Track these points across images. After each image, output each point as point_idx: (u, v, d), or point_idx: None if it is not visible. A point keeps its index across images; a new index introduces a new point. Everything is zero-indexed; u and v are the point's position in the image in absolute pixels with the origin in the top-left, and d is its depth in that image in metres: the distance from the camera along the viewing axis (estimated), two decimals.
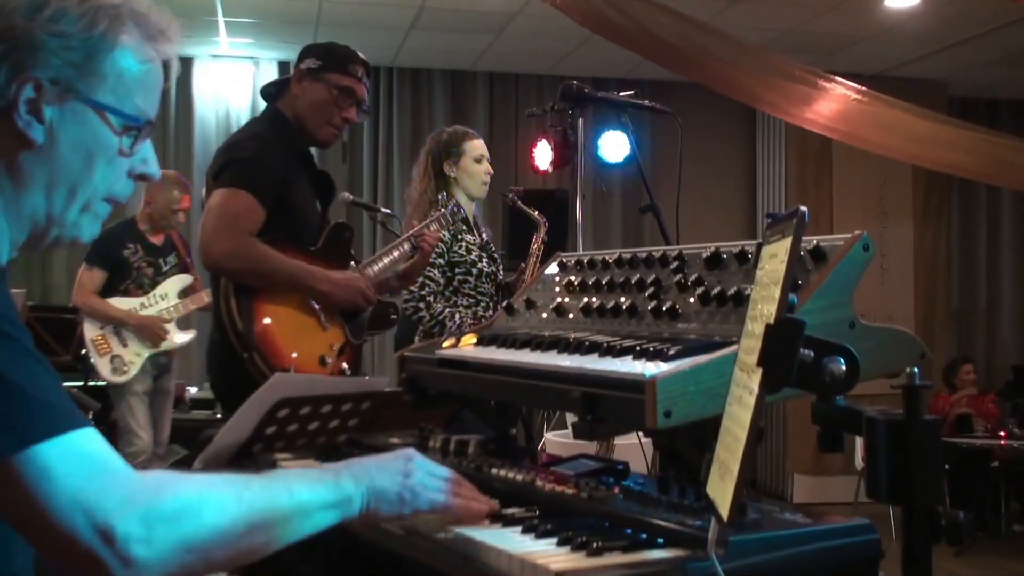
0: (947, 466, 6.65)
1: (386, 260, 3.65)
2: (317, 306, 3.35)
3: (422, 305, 4.24)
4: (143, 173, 1.50)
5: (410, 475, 1.53)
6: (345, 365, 3.41)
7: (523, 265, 4.76)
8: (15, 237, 1.40)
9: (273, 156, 3.35)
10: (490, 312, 4.37)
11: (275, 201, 3.29)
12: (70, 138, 1.40)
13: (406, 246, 3.69)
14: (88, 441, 1.27)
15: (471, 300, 4.37)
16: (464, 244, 4.36)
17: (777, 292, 1.20)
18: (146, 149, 1.50)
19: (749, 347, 1.26)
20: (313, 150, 3.60)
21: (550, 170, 6.05)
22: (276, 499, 1.39)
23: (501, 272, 4.61)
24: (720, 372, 1.45)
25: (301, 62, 3.51)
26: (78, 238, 1.47)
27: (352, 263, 3.56)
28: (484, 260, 4.42)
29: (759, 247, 1.59)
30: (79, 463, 1.24)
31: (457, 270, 4.34)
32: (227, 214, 3.24)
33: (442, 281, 4.32)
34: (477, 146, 4.54)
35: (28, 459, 1.21)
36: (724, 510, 1.18)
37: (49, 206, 1.41)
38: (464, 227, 4.36)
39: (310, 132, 3.48)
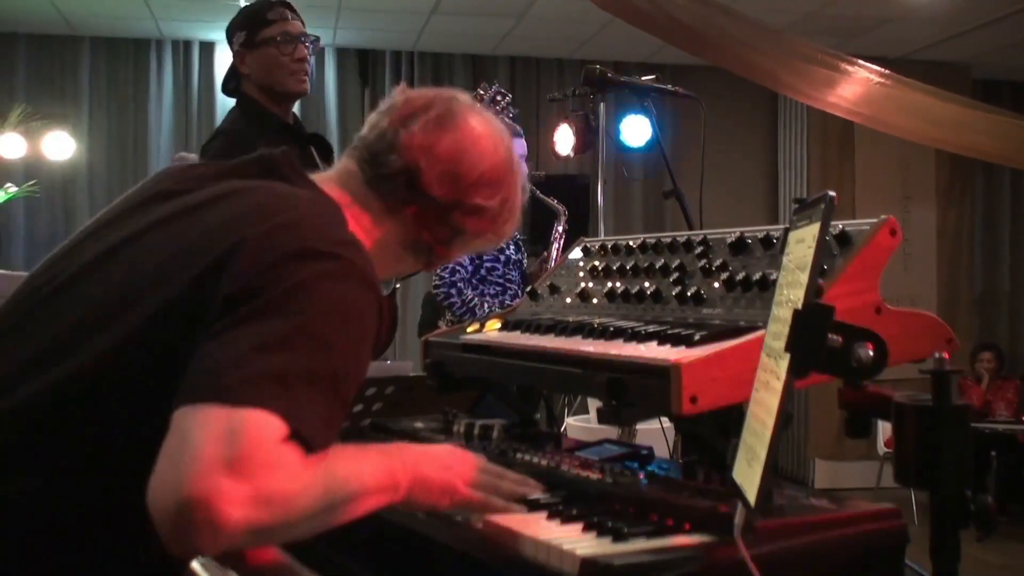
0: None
1: None
2: None
3: (453, 292, 4.25)
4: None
5: (451, 469, 1.52)
6: None
7: (545, 253, 4.76)
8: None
9: (237, 146, 3.32)
10: (518, 300, 4.36)
11: None
12: None
13: None
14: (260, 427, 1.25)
15: (498, 288, 4.38)
16: None
17: (804, 277, 1.20)
18: None
19: (776, 332, 1.26)
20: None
21: (571, 155, 6.03)
22: (349, 485, 1.35)
23: (526, 260, 4.61)
24: (746, 357, 1.45)
25: (232, 44, 3.47)
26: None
27: None
28: (511, 247, 4.43)
29: (786, 232, 1.58)
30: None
31: (485, 257, 4.35)
32: None
33: (471, 268, 4.33)
34: (522, 144, 4.54)
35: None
36: (751, 495, 1.18)
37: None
38: None
39: (281, 93, 3.43)
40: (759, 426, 1.22)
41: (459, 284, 4.27)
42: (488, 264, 4.35)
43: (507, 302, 4.35)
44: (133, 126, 8.36)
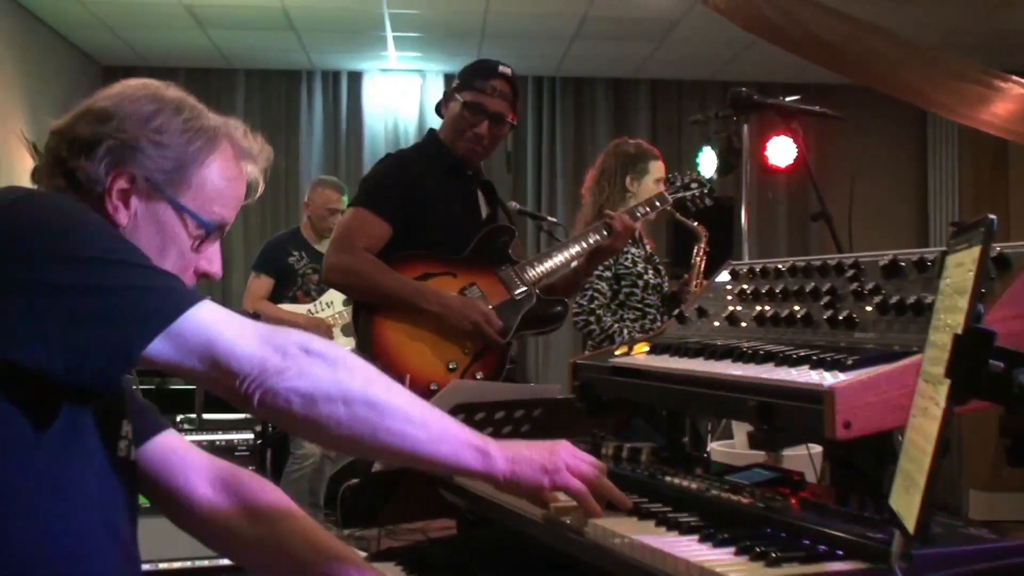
0: None
1: (558, 258, 3.56)
2: None
3: (592, 319, 4.26)
4: (205, 271, 1.73)
5: (556, 453, 1.60)
6: (480, 373, 3.37)
7: (686, 276, 4.73)
8: None
9: (400, 172, 3.48)
10: (657, 324, 4.35)
11: (406, 214, 3.39)
12: (150, 226, 1.64)
13: (591, 238, 3.60)
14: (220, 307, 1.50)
15: (637, 313, 4.37)
16: (629, 256, 4.36)
17: (964, 302, 1.18)
18: (212, 251, 1.73)
19: (934, 358, 1.24)
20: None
21: (715, 177, 6.00)
22: (417, 403, 1.53)
23: (667, 283, 4.59)
24: (902, 383, 1.43)
25: (455, 80, 3.63)
26: None
27: (508, 266, 3.53)
28: (649, 272, 4.42)
29: (943, 255, 1.56)
30: (226, 317, 1.47)
31: (623, 283, 4.35)
32: (340, 231, 3.45)
33: (609, 293, 4.33)
34: (660, 167, 4.56)
35: (190, 319, 1.42)
36: (910, 523, 1.17)
37: None
38: (629, 239, 4.36)
39: (458, 150, 3.55)
40: (917, 453, 1.21)
41: (598, 311, 4.27)
42: (626, 289, 4.35)
43: (647, 327, 4.34)
44: (284, 153, 8.65)
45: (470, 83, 3.54)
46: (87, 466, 1.51)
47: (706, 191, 4.10)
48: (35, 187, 1.66)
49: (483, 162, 3.71)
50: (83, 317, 1.39)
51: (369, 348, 3.30)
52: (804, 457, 3.67)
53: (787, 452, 4.49)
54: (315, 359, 1.46)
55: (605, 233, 3.59)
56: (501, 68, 3.55)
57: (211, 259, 1.73)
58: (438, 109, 3.68)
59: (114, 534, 1.56)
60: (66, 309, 1.39)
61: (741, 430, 5.79)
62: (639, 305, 4.38)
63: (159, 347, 1.41)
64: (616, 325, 4.28)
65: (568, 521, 1.62)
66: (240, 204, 1.75)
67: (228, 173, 1.70)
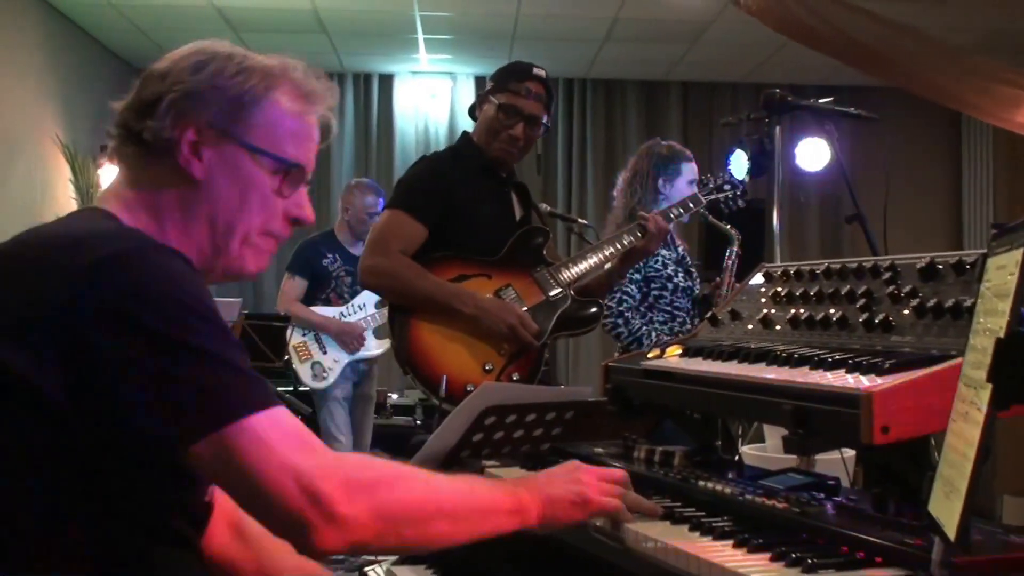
0: None
1: (592, 259, 3.57)
2: None
3: (620, 321, 4.24)
4: (298, 216, 1.70)
5: (580, 482, 1.61)
6: (516, 375, 3.36)
7: (718, 279, 4.69)
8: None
9: (436, 174, 3.48)
10: (687, 327, 4.33)
11: (442, 216, 3.39)
12: (226, 175, 1.61)
13: (625, 239, 3.60)
14: (289, 416, 1.42)
15: (667, 315, 4.34)
16: (660, 258, 4.34)
17: (1005, 305, 1.16)
18: (300, 195, 1.70)
19: (975, 362, 1.22)
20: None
21: (746, 180, 5.96)
22: (459, 492, 1.52)
23: (698, 286, 4.56)
24: (941, 387, 1.40)
25: (488, 81, 3.63)
26: (243, 269, 1.68)
27: (543, 267, 3.52)
28: (680, 274, 4.39)
29: (983, 258, 1.53)
30: (286, 434, 1.39)
31: (652, 285, 4.32)
32: (376, 233, 3.45)
33: (638, 296, 4.31)
34: (693, 169, 4.54)
35: (245, 428, 1.35)
36: (951, 530, 1.15)
37: (212, 236, 1.62)
38: (662, 241, 4.34)
39: (492, 152, 3.55)
40: (958, 458, 1.19)
41: (627, 313, 4.25)
42: (656, 292, 4.33)
43: (676, 329, 4.31)
44: (316, 154, 8.67)
45: (505, 85, 3.53)
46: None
47: (739, 192, 4.07)
48: (109, 158, 1.67)
49: (515, 164, 3.71)
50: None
51: (405, 350, 3.31)
52: (837, 460, 3.65)
53: (819, 456, 4.47)
54: (357, 499, 1.40)
55: (639, 235, 3.58)
56: (536, 70, 3.54)
57: (300, 203, 1.70)
58: (471, 112, 3.67)
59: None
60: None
61: (773, 433, 5.77)
62: (668, 308, 4.35)
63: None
64: (645, 328, 4.26)
65: (599, 524, 1.63)
66: (315, 147, 1.72)
67: (293, 110, 1.66)
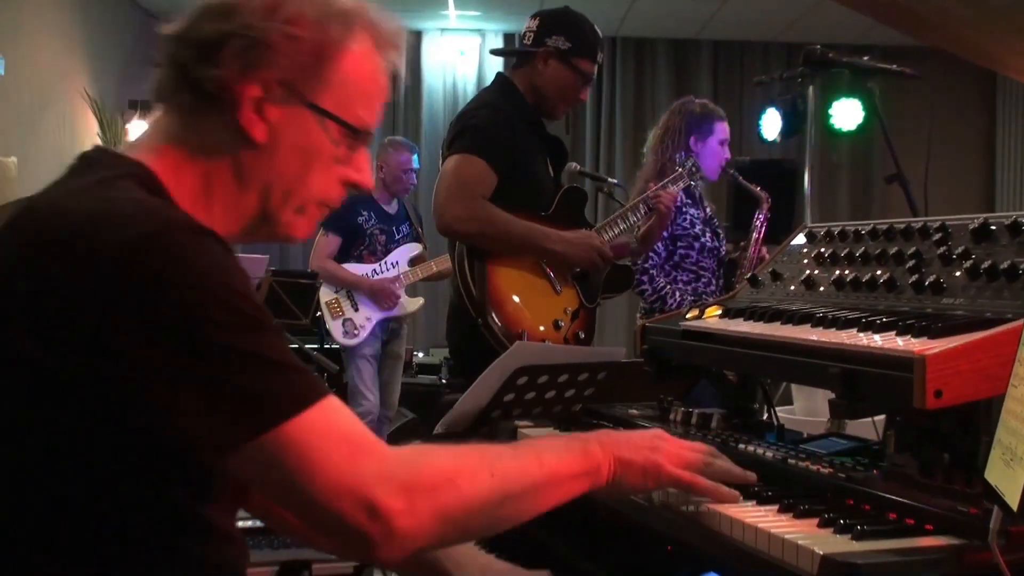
0: None
1: (622, 224, 3.65)
2: (549, 270, 3.38)
3: (645, 279, 4.22)
4: (356, 182, 1.49)
5: (657, 450, 1.48)
6: (581, 332, 3.43)
7: (744, 242, 4.63)
8: (228, 228, 1.41)
9: (504, 123, 3.41)
10: (711, 288, 4.30)
11: (507, 168, 3.34)
12: (290, 140, 1.40)
13: (641, 209, 3.67)
14: (337, 411, 1.26)
15: (691, 275, 4.31)
16: (688, 217, 4.30)
17: None
18: (361, 158, 1.49)
19: None
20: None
21: (778, 140, 5.87)
22: (527, 470, 1.38)
23: (724, 247, 4.51)
24: (996, 351, 1.36)
25: (548, 37, 3.51)
26: (292, 237, 1.48)
27: (585, 226, 3.57)
28: (707, 235, 4.35)
29: None
30: (336, 437, 1.24)
31: (679, 244, 4.29)
32: (459, 179, 3.32)
33: (664, 254, 4.27)
34: (725, 128, 4.49)
35: (287, 433, 1.20)
36: (1012, 498, 1.10)
37: (265, 204, 1.43)
38: (689, 200, 4.30)
39: (548, 109, 3.56)
40: (1019, 424, 1.14)
41: (652, 271, 4.23)
42: (682, 251, 4.29)
43: (700, 290, 4.28)
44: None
45: (592, 53, 3.56)
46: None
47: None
48: (154, 103, 1.45)
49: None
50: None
51: (484, 297, 3.27)
52: (867, 424, 3.60)
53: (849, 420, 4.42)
54: (420, 506, 1.26)
55: (643, 211, 3.71)
56: (599, 32, 3.66)
57: (360, 167, 1.49)
58: (520, 56, 3.62)
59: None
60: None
61: (801, 396, 5.72)
62: (693, 267, 4.32)
63: None
64: (669, 287, 4.23)
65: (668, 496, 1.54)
66: (383, 104, 1.51)
67: (369, 66, 1.45)
